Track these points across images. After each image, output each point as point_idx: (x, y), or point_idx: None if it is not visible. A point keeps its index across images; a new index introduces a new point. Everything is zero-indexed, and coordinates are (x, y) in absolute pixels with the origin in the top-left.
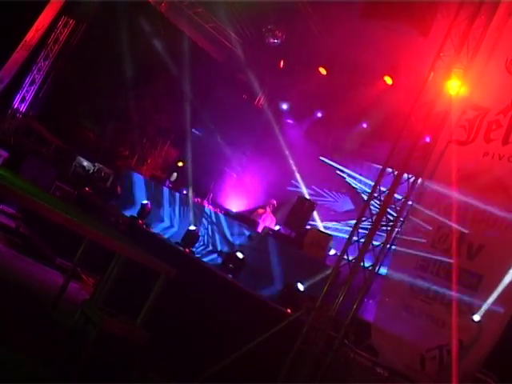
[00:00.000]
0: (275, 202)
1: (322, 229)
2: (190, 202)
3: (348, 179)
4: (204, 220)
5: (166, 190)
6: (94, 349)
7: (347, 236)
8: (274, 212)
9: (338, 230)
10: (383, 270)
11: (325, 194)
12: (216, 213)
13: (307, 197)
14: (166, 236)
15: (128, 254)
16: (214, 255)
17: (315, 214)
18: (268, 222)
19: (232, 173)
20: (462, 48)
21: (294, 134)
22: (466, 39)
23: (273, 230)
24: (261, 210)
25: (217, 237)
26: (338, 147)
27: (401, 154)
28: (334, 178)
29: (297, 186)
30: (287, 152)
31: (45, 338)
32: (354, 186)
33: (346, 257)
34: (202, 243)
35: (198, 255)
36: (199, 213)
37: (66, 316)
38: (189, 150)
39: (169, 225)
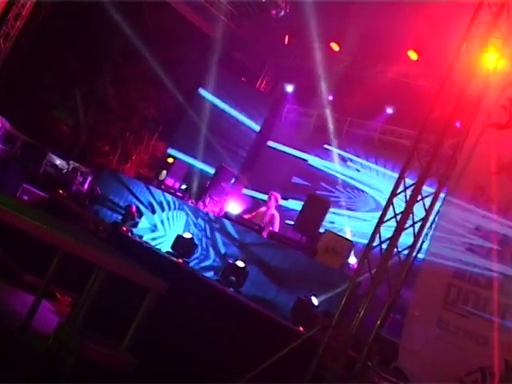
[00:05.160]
0: (279, 195)
1: (348, 234)
2: (183, 203)
3: (368, 175)
4: (200, 225)
5: (153, 191)
6: (70, 379)
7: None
8: (278, 208)
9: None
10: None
11: (342, 192)
12: (215, 216)
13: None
14: (154, 244)
15: (110, 266)
16: (209, 261)
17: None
18: (271, 221)
19: (231, 169)
20: (500, 14)
21: (301, 121)
22: (505, 3)
23: (278, 234)
24: (262, 209)
25: (216, 244)
26: (354, 136)
27: (429, 143)
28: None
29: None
30: (294, 144)
31: (10, 368)
32: (375, 183)
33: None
34: (197, 252)
35: (192, 266)
36: (194, 217)
37: (36, 342)
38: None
39: (157, 231)
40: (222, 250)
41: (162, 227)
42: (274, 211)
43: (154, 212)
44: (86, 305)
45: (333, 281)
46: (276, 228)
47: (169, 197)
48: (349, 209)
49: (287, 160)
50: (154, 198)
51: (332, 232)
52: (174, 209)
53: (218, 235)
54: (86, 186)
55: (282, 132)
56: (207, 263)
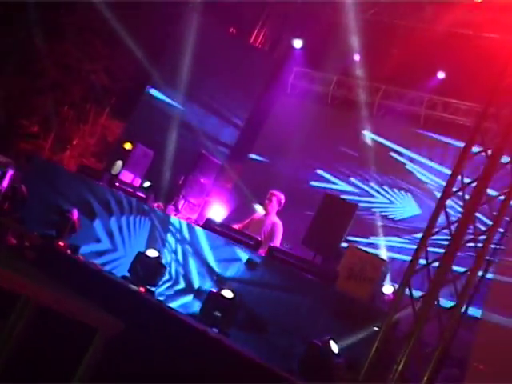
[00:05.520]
0: (282, 195)
1: (383, 253)
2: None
3: (409, 165)
4: (170, 239)
5: (95, 187)
6: None
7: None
8: (280, 213)
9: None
10: (474, 312)
11: (369, 191)
12: (190, 226)
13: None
14: (106, 266)
15: (41, 298)
16: (189, 296)
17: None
18: (272, 233)
19: (214, 159)
20: None
21: (314, 91)
22: None
23: (281, 251)
24: (259, 215)
25: (193, 265)
26: (391, 112)
27: (499, 121)
28: (383, 166)
29: (323, 179)
30: (303, 122)
31: None
32: (419, 177)
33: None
34: (167, 277)
35: (160, 297)
36: (162, 227)
37: None
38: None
39: (110, 247)
40: (203, 274)
41: (110, 241)
42: (275, 218)
43: (93, 217)
44: (4, 354)
45: (360, 318)
46: (277, 242)
47: (122, 196)
48: (383, 215)
49: (296, 145)
50: (94, 196)
51: (359, 248)
52: (131, 214)
53: (196, 253)
54: (5, 184)
55: (288, 106)
56: (181, 292)
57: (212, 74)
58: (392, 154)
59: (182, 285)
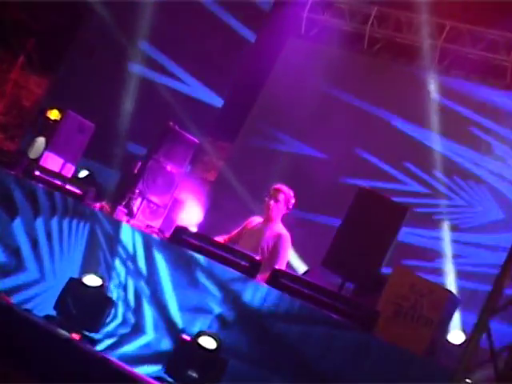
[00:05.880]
0: (292, 193)
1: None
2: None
3: (485, 141)
4: (122, 259)
5: (8, 181)
6: None
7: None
8: (285, 217)
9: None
10: None
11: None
12: (156, 238)
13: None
14: (13, 298)
15: None
16: (151, 346)
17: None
18: (275, 248)
19: (188, 135)
20: None
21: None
22: None
23: (291, 276)
24: (255, 221)
25: (159, 299)
26: (462, 62)
27: None
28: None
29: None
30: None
31: None
32: (502, 158)
33: None
34: (116, 318)
35: (104, 348)
36: (108, 240)
37: None
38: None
39: (11, 266)
40: (174, 312)
41: (11, 257)
42: (280, 228)
43: (10, 225)
44: None
45: (413, 378)
46: (283, 262)
47: (40, 191)
48: (441, 220)
49: (313, 112)
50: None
51: (410, 271)
52: (53, 217)
53: (162, 279)
54: None
55: (301, 53)
56: (140, 341)
57: (186, 6)
58: (459, 122)
59: (148, 335)
